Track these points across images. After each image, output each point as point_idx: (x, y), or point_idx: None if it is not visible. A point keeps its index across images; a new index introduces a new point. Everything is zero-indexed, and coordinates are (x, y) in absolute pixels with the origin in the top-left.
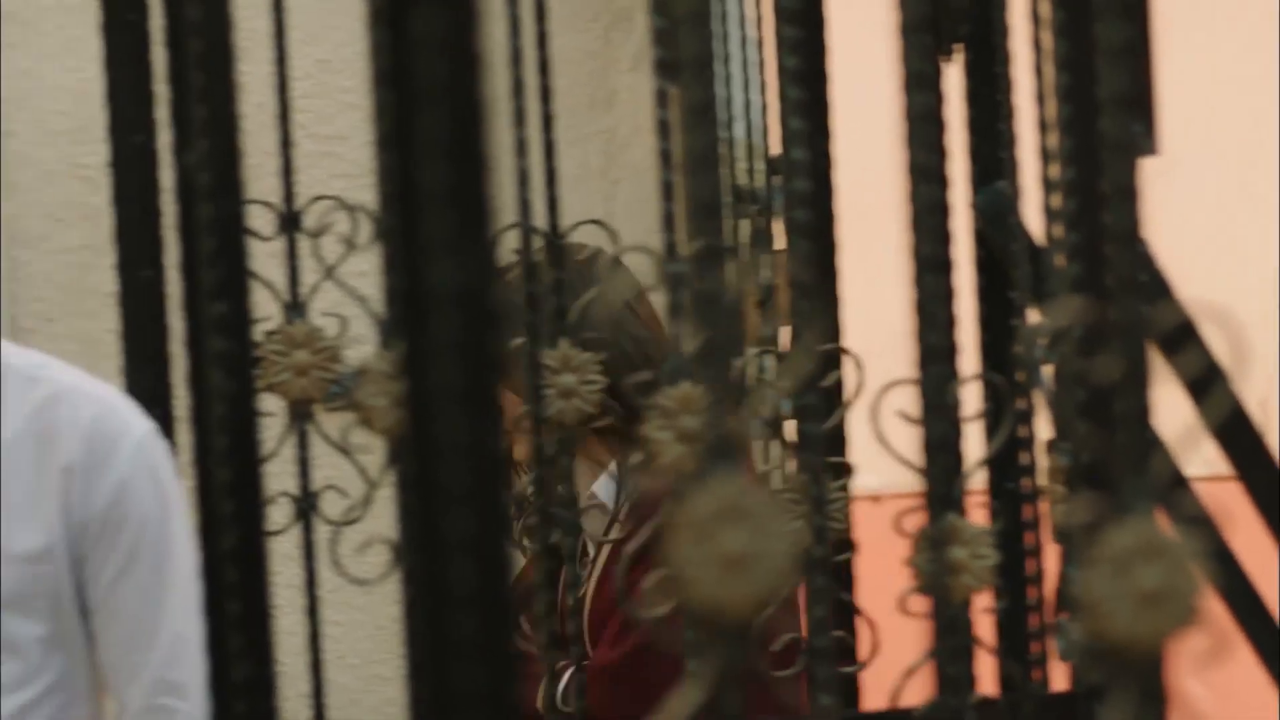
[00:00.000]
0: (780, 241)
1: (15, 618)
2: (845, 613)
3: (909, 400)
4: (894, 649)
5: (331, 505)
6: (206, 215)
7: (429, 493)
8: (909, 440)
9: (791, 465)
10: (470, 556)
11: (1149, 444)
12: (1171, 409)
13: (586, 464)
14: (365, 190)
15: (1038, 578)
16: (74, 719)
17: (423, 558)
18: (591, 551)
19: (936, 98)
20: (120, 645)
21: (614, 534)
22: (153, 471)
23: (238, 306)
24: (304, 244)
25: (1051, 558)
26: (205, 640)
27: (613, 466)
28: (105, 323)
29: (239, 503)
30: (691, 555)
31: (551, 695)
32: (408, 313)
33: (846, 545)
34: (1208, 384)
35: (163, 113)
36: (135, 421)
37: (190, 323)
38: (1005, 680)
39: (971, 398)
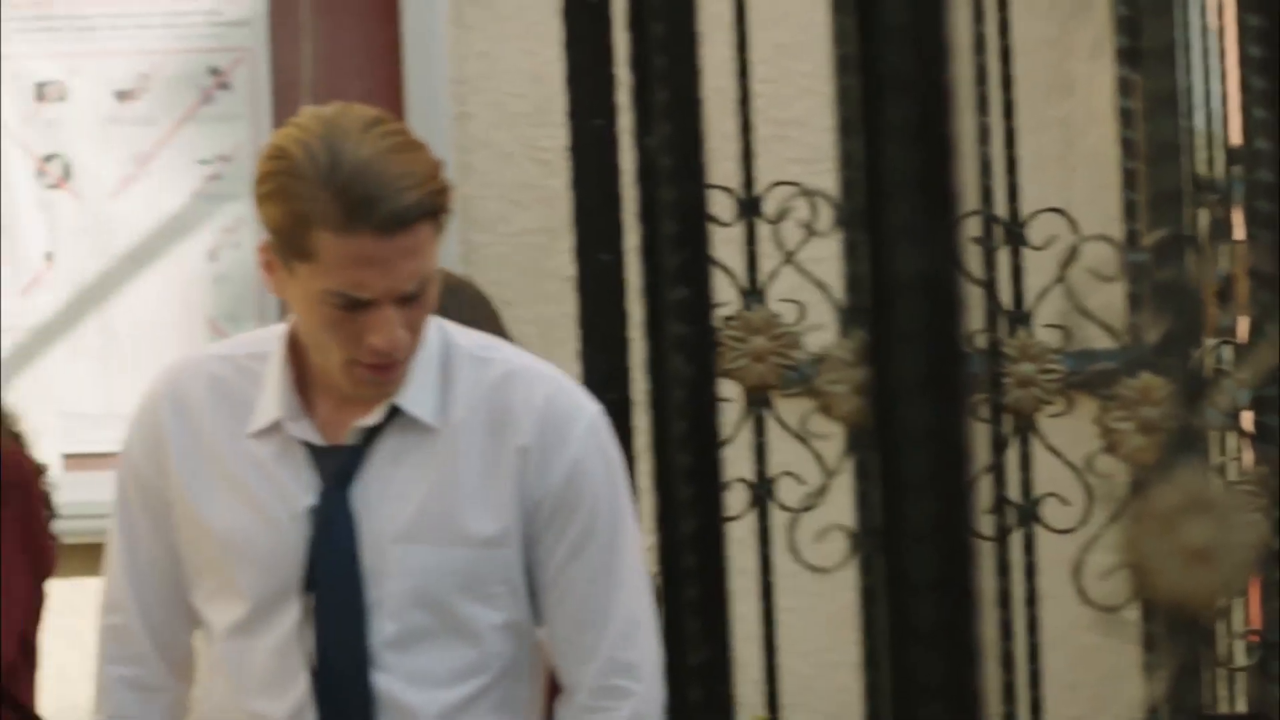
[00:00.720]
0: (1239, 232)
1: (474, 604)
2: None
3: None
4: None
5: (788, 492)
6: (667, 199)
7: (890, 481)
8: None
9: (1249, 457)
10: (931, 545)
11: None
12: None
13: None
14: (822, 175)
15: None
16: (519, 700)
17: (882, 546)
18: None
19: None
20: (572, 625)
21: None
22: (603, 451)
23: (699, 292)
24: (762, 229)
25: None
26: (657, 624)
27: None
28: (563, 306)
29: (697, 488)
30: (1155, 547)
31: None
32: (870, 300)
33: None
34: None
35: (622, 96)
36: (585, 401)
37: (650, 307)
38: None
39: None
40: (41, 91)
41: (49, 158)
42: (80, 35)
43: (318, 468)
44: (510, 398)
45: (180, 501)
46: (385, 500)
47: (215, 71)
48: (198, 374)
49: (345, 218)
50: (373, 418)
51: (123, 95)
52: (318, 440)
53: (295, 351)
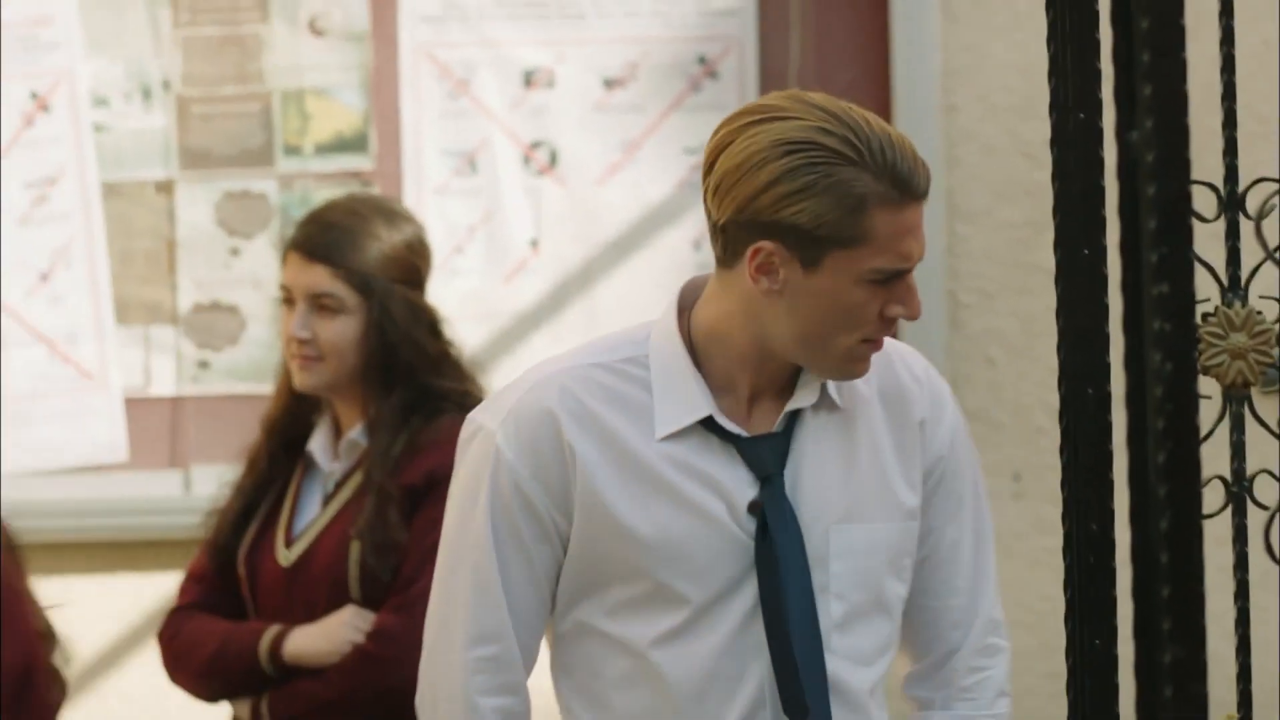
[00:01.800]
0: None
1: (894, 579)
2: None
3: None
4: None
5: (1265, 490)
6: (1151, 194)
7: None
8: None
9: None
10: None
11: None
12: None
13: (350, 409)
14: None
15: None
16: (890, 671)
17: None
18: (330, 489)
19: None
20: (952, 589)
21: (378, 475)
22: (960, 413)
23: (1180, 288)
24: (1245, 226)
25: None
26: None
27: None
28: (1044, 300)
29: (1174, 485)
30: None
31: None
32: None
33: None
34: None
35: (1105, 90)
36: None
37: (1130, 302)
38: None
39: None
40: (530, 78)
41: (536, 144)
42: (569, 22)
43: (746, 460)
44: (898, 373)
45: (592, 514)
46: (817, 484)
47: (703, 60)
48: (586, 383)
49: (900, 192)
50: (804, 400)
51: (611, 83)
52: (744, 433)
53: (693, 353)
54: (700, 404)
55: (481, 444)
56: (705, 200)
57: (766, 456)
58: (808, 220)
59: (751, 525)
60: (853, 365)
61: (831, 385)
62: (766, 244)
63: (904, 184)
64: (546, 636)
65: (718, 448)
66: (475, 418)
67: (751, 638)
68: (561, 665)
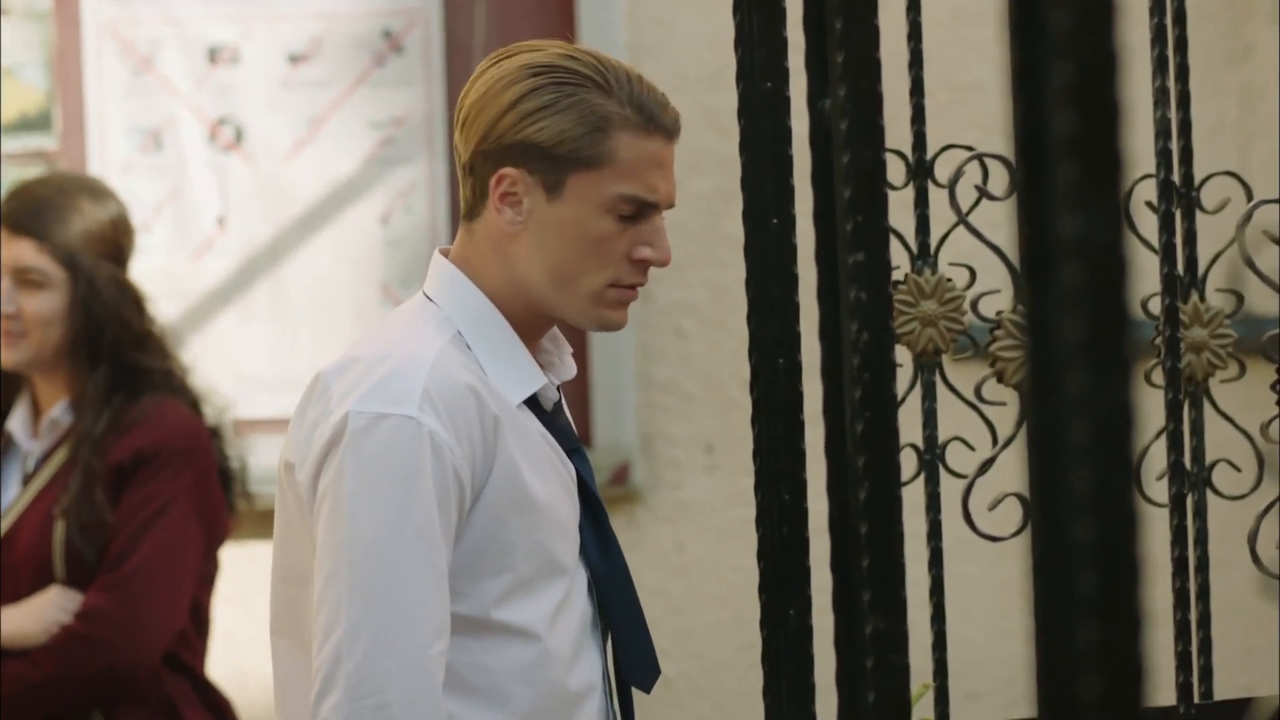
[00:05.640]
0: None
1: None
2: None
3: None
4: None
5: (957, 458)
6: (845, 162)
7: (1052, 447)
8: None
9: None
10: (1094, 513)
11: None
12: None
13: (52, 387)
14: (998, 140)
15: None
16: None
17: (1046, 513)
18: (30, 468)
19: None
20: None
21: (85, 453)
22: None
23: (875, 256)
24: (935, 193)
25: None
26: (837, 594)
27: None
28: (735, 271)
29: (871, 455)
30: None
31: None
32: (1035, 264)
33: None
34: None
35: (793, 60)
36: None
37: (824, 272)
38: None
39: None
40: (214, 55)
41: (222, 121)
42: None
43: (554, 432)
44: None
45: (506, 487)
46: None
47: (388, 35)
48: (462, 361)
49: (644, 120)
50: (569, 372)
51: (295, 59)
52: (551, 404)
53: None
54: (533, 372)
55: (397, 431)
56: (455, 143)
57: (567, 428)
58: (548, 138)
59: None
60: (606, 311)
61: (565, 354)
62: (510, 170)
63: (649, 115)
64: None
65: (535, 419)
66: (366, 409)
67: (593, 604)
68: None
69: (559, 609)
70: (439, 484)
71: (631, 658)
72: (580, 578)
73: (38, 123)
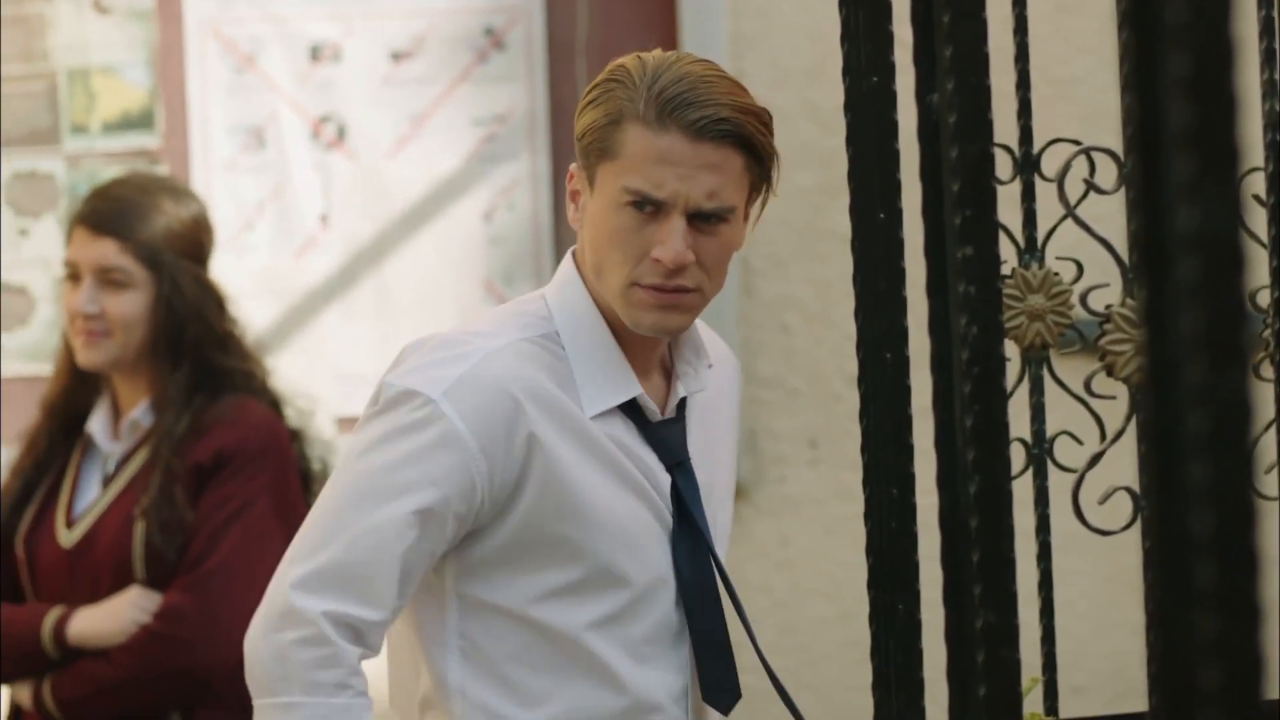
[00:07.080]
0: None
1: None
2: None
3: None
4: None
5: (1064, 452)
6: (953, 157)
7: (1169, 440)
8: None
9: None
10: (1212, 505)
11: None
12: None
13: (133, 388)
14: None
15: None
16: None
17: (1163, 506)
18: (110, 469)
19: None
20: None
21: (165, 453)
22: None
23: (984, 250)
24: (1041, 187)
25: None
26: (948, 589)
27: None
28: (838, 266)
29: (981, 449)
30: None
31: None
32: (1151, 257)
33: None
34: None
35: (899, 54)
36: None
37: (933, 266)
38: None
39: None
40: (316, 52)
41: (324, 119)
42: None
43: (653, 443)
44: (717, 350)
45: (548, 495)
46: (700, 469)
47: (490, 32)
48: (532, 358)
49: (656, 114)
50: (695, 385)
51: (398, 56)
52: (659, 416)
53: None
54: (626, 383)
55: (416, 411)
56: None
57: (674, 442)
58: (579, 131)
59: (669, 509)
60: (634, 311)
61: (703, 367)
62: (573, 167)
63: (665, 112)
64: (422, 617)
65: (632, 428)
66: (400, 383)
67: (679, 620)
68: (462, 651)
69: (612, 619)
70: (442, 470)
71: (709, 678)
72: (661, 593)
73: (140, 121)
